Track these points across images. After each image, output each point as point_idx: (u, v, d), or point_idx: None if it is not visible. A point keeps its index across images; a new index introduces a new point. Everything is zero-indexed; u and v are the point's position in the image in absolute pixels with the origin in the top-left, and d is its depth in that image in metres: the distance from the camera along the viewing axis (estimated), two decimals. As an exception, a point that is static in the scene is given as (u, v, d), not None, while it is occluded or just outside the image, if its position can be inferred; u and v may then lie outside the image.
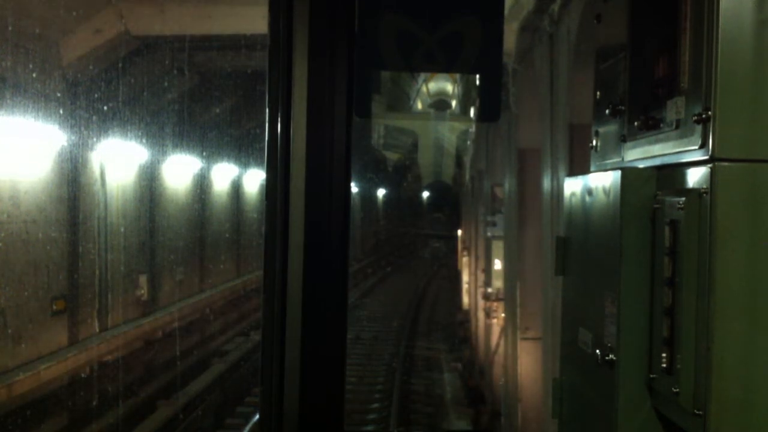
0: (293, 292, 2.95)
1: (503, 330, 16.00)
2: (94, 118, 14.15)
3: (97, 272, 14.75)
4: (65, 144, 13.73)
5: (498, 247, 17.50)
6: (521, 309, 13.64)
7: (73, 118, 13.68)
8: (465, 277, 23.95)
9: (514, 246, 14.36)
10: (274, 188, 2.93)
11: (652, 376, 2.00)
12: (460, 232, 27.29)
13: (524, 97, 13.53)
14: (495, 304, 17.18)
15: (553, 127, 10.86)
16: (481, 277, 20.37)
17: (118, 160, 15.45)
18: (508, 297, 15.60)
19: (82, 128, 14.04)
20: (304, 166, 2.92)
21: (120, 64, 14.31)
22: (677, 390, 1.84)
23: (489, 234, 18.75)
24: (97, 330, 14.73)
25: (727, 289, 1.74)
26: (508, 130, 15.27)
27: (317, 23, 2.89)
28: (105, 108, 14.38)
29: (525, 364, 13.46)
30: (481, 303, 19.75)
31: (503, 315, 16.00)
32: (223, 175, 22.79)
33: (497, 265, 17.49)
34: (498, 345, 16.64)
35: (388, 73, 3.29)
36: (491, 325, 17.70)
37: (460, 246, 26.46)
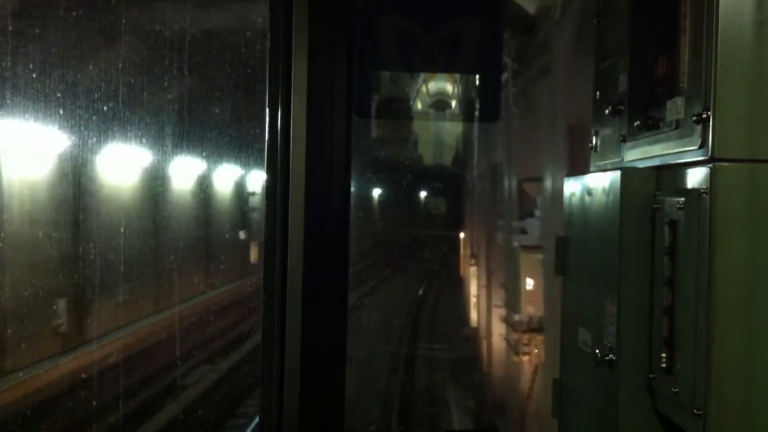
0: (293, 292, 2.95)
1: (538, 371, 11.20)
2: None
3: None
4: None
5: (529, 260, 12.35)
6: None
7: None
8: (473, 290, 18.21)
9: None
10: (274, 188, 2.93)
11: (652, 375, 2.00)
12: (462, 234, 26.45)
13: (571, 61, 9.11)
14: (527, 336, 11.98)
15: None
16: (500, 293, 14.30)
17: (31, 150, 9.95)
18: (550, 328, 10.59)
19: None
20: (304, 166, 2.92)
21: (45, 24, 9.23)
22: (677, 390, 1.84)
23: (516, 244, 13.27)
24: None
25: (727, 288, 1.74)
26: (551, 104, 10.61)
27: (317, 23, 2.89)
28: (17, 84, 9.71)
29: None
30: (505, 332, 13.70)
31: (536, 351, 11.26)
32: (187, 173, 18.61)
33: (529, 284, 12.30)
34: (532, 391, 11.33)
35: (388, 73, 3.29)
36: (521, 363, 12.41)
37: (468, 255, 23.10)
